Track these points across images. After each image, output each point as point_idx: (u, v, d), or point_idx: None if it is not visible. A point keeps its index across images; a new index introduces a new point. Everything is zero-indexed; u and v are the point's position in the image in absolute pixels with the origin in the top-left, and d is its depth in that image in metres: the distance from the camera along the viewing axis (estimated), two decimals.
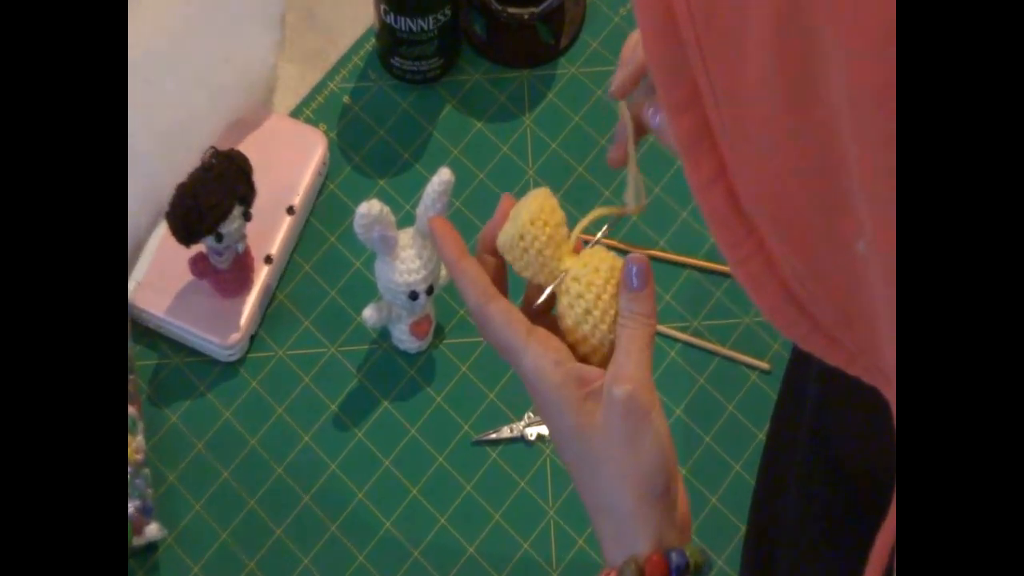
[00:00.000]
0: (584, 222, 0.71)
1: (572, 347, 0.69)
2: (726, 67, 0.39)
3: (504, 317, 0.68)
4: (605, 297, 0.68)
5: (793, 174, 0.39)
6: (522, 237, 0.70)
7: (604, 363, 0.68)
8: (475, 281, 0.69)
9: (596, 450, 0.65)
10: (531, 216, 0.70)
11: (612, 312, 0.68)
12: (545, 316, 0.72)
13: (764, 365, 1.06)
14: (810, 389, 0.79)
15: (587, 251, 0.70)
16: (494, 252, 0.71)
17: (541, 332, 0.68)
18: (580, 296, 0.68)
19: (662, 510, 0.65)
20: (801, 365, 0.82)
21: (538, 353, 0.66)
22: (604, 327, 0.68)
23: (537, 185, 1.11)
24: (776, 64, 0.37)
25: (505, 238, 0.70)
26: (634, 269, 0.67)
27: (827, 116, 0.36)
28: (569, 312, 0.69)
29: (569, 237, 0.71)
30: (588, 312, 0.68)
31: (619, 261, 0.69)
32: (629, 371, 0.65)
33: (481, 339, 1.06)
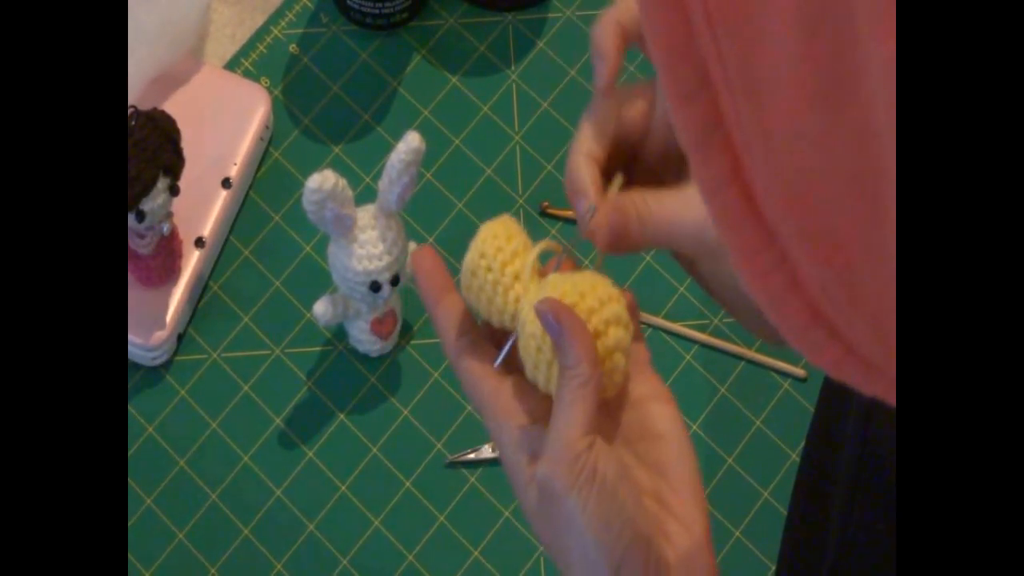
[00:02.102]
0: (533, 253, 0.71)
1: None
2: (742, 45, 0.39)
3: (468, 379, 0.71)
4: (546, 346, 0.68)
5: (823, 177, 0.40)
6: (474, 274, 0.71)
7: None
8: (445, 331, 0.72)
9: (542, 538, 0.68)
10: (471, 254, 0.71)
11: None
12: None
13: (799, 371, 1.06)
14: (855, 400, 0.79)
15: (550, 280, 0.70)
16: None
17: (505, 390, 0.70)
18: (525, 347, 0.69)
19: None
20: None
21: (495, 423, 0.69)
22: (555, 378, 0.68)
23: (524, 153, 1.11)
24: (804, 45, 0.38)
25: (463, 280, 0.72)
26: (541, 319, 0.68)
27: (865, 113, 0.37)
28: (524, 362, 0.69)
29: (537, 266, 0.72)
30: (536, 367, 0.68)
31: (597, 286, 0.69)
32: (548, 444, 0.67)
33: None
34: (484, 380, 0.70)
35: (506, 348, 0.70)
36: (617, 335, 0.68)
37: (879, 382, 0.44)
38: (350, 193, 0.95)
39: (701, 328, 1.07)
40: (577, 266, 0.72)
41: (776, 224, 0.42)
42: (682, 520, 0.67)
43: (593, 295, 0.68)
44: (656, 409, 0.69)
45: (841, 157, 0.39)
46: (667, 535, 0.67)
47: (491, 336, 0.73)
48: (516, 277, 0.70)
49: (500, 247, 0.71)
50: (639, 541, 0.66)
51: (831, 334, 0.43)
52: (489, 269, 0.70)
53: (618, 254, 0.71)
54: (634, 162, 0.73)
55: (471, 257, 0.71)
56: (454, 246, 1.09)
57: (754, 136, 0.40)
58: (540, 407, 0.69)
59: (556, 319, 0.67)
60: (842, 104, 0.38)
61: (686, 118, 0.41)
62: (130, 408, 1.05)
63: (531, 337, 0.68)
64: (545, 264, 0.72)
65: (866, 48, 0.36)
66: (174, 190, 0.99)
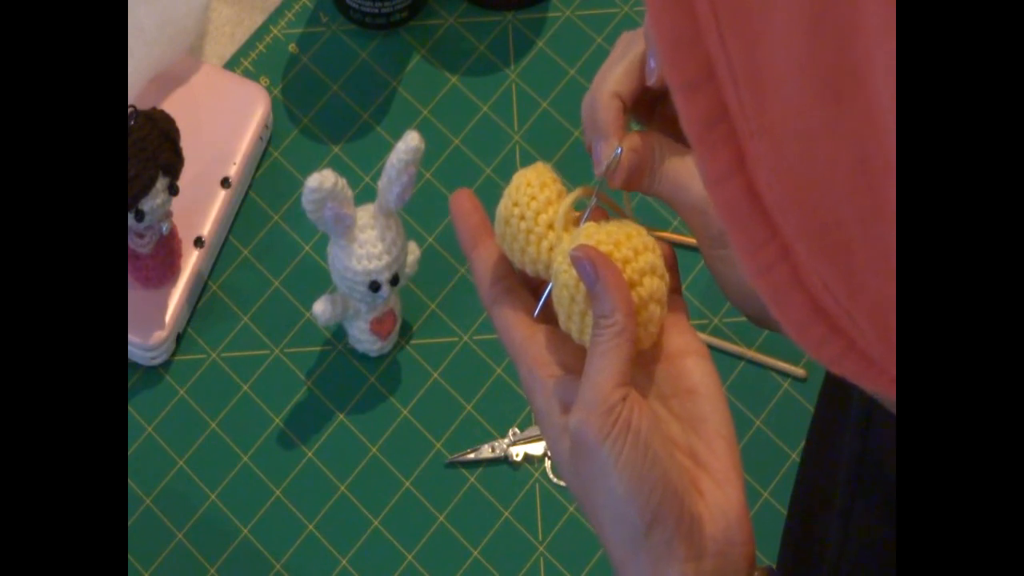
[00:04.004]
0: (566, 203, 0.70)
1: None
2: (747, 40, 0.40)
3: (503, 323, 0.70)
4: (579, 297, 0.67)
5: (826, 168, 0.40)
6: (503, 236, 0.69)
7: None
8: (481, 277, 0.71)
9: (576, 490, 0.67)
10: (502, 207, 0.69)
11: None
12: None
13: (799, 371, 1.06)
14: (856, 400, 0.79)
15: (583, 229, 0.68)
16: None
17: (537, 339, 0.69)
18: (559, 298, 0.67)
19: (652, 548, 0.65)
20: None
21: (527, 371, 0.68)
22: (590, 329, 0.67)
23: (524, 153, 1.11)
24: (808, 39, 0.38)
25: (496, 228, 0.70)
26: (577, 267, 0.66)
27: (868, 106, 0.38)
28: (558, 313, 0.68)
29: (571, 215, 0.70)
30: (570, 317, 0.67)
31: (632, 236, 0.67)
32: (581, 394, 0.65)
33: (457, 339, 1.06)
34: (517, 328, 0.69)
35: (543, 297, 0.69)
36: (652, 285, 0.67)
37: (880, 378, 0.44)
38: (349, 192, 0.95)
39: (701, 328, 1.07)
40: (611, 217, 0.70)
41: (778, 218, 0.42)
42: (716, 477, 0.67)
43: (628, 244, 0.67)
44: (691, 364, 0.68)
45: (844, 150, 0.39)
46: (701, 492, 0.66)
47: (528, 284, 0.72)
48: (550, 226, 0.69)
49: (533, 195, 0.69)
50: (673, 496, 0.65)
51: (832, 329, 0.43)
52: (522, 217, 0.69)
53: (628, 190, 0.70)
54: (657, 106, 0.73)
55: (504, 204, 0.70)
56: (454, 246, 1.09)
57: (758, 128, 0.41)
58: (574, 358, 0.68)
59: (592, 266, 0.66)
60: (846, 97, 0.38)
61: (690, 110, 0.41)
62: (130, 408, 1.05)
63: (564, 287, 0.67)
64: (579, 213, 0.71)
65: (870, 41, 0.37)
66: (173, 190, 0.99)
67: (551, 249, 0.69)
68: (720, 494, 0.66)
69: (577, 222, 0.70)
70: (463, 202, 0.72)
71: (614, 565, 0.66)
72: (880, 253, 0.40)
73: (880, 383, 0.44)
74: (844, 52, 0.38)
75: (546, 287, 0.69)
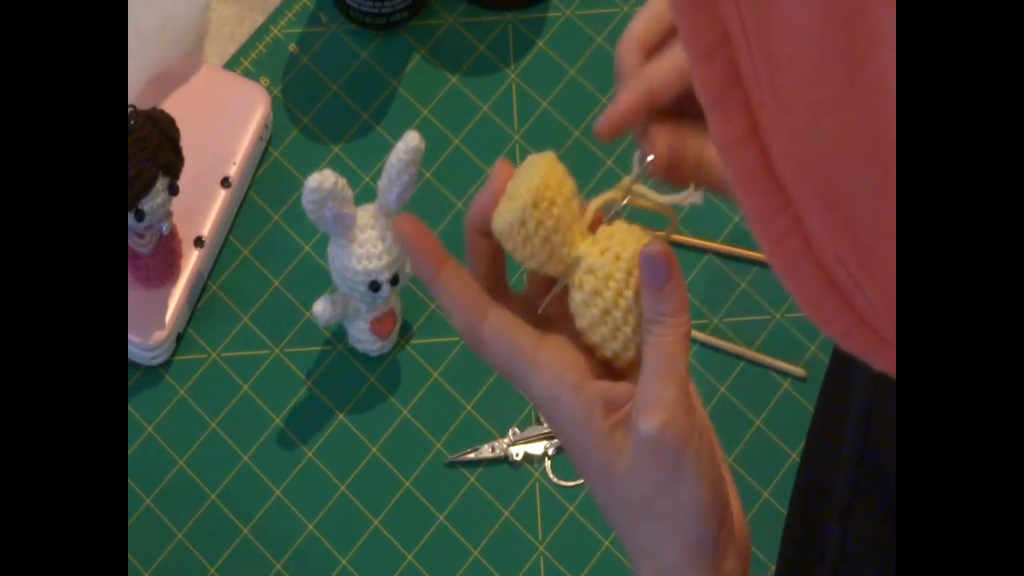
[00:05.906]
0: (595, 203, 0.69)
1: (593, 349, 0.67)
2: (761, 8, 0.40)
3: (504, 335, 0.66)
4: (628, 293, 0.65)
5: (837, 140, 0.40)
6: (524, 223, 0.66)
7: (631, 366, 0.66)
8: (460, 298, 0.66)
9: (629, 496, 0.64)
10: (534, 195, 0.66)
11: (638, 310, 0.65)
12: (555, 307, 0.69)
13: (799, 371, 1.06)
14: (856, 400, 0.79)
15: (605, 230, 0.67)
16: (487, 234, 0.68)
17: (552, 345, 0.66)
18: (597, 294, 0.66)
19: (714, 554, 0.65)
20: (845, 370, 0.83)
21: (552, 376, 0.65)
22: (628, 329, 0.65)
23: (524, 153, 1.11)
24: (821, 8, 0.38)
25: (503, 222, 0.67)
26: (648, 264, 0.64)
27: (877, 78, 0.38)
28: (584, 312, 0.66)
29: (582, 213, 0.68)
30: (607, 313, 0.65)
31: (648, 239, 0.67)
32: (657, 395, 0.63)
33: (457, 339, 1.06)
34: (526, 334, 0.65)
35: (556, 289, 0.67)
36: None
37: (889, 355, 0.44)
38: (350, 192, 0.95)
39: (701, 328, 1.07)
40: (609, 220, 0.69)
41: (791, 188, 0.43)
42: (730, 486, 0.67)
43: None
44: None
45: (854, 122, 0.39)
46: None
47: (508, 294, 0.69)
48: (574, 221, 0.67)
49: (562, 181, 0.67)
50: (728, 501, 0.65)
51: (843, 303, 0.44)
52: (554, 203, 0.66)
53: (672, 184, 0.70)
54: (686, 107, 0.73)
55: (536, 186, 0.66)
56: (454, 246, 1.08)
57: (771, 95, 0.41)
58: (596, 364, 0.66)
59: (667, 264, 0.64)
60: (856, 68, 0.38)
61: (705, 76, 0.42)
62: (130, 408, 1.05)
63: (610, 279, 0.65)
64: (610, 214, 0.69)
65: (878, 11, 0.37)
66: (173, 189, 0.99)
67: (574, 244, 0.67)
68: (734, 498, 0.67)
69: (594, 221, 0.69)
70: (414, 225, 0.68)
71: (675, 569, 0.64)
72: (890, 227, 0.40)
73: (889, 360, 0.44)
74: (855, 22, 0.38)
75: (559, 282, 0.67)
